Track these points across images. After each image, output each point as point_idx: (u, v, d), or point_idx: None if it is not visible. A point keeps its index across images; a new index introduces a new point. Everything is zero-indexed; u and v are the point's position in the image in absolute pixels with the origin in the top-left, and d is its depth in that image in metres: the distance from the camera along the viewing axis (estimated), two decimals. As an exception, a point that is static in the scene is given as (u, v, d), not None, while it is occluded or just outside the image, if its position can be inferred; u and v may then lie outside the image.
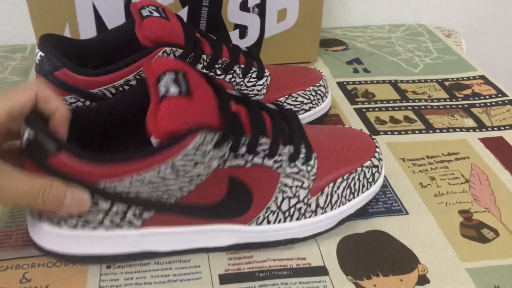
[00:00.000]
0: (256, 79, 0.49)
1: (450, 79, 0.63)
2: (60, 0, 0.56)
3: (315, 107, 0.52)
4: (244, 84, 0.49)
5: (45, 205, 0.33)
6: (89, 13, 0.57)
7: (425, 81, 0.63)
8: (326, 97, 0.53)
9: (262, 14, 0.61)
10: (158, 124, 0.32)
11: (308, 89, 0.51)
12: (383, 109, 0.57)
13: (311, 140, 0.40)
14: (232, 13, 0.60)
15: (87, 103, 0.45)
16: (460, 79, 0.63)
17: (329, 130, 0.44)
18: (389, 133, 0.53)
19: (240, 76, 0.48)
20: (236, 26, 0.61)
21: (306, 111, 0.51)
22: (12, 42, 0.70)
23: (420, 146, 0.51)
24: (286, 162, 0.38)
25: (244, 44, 0.63)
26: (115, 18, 0.58)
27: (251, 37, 0.63)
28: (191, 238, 0.38)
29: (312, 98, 0.51)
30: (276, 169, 0.37)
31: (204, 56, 0.47)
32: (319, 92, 0.52)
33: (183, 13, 0.59)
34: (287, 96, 0.50)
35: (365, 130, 0.53)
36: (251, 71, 0.49)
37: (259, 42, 0.63)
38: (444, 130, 0.53)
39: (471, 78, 0.63)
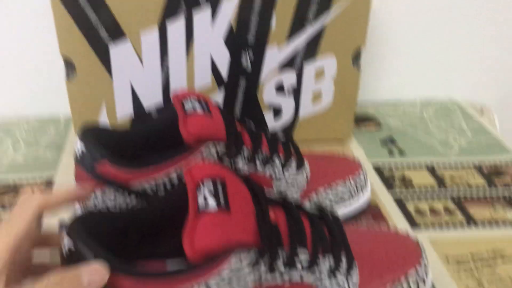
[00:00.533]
0: (296, 172, 0.48)
1: (487, 164, 0.62)
2: (98, 79, 0.56)
3: (355, 199, 0.51)
4: (284, 177, 0.48)
5: None
6: (126, 92, 0.58)
7: (462, 165, 0.62)
8: (366, 188, 0.52)
9: (297, 96, 0.61)
10: (194, 243, 0.32)
11: (347, 179, 0.50)
12: (422, 198, 0.56)
13: (352, 245, 0.39)
14: (268, 94, 0.60)
15: (127, 196, 0.44)
16: (498, 163, 0.62)
17: (372, 234, 0.43)
18: (430, 228, 0.51)
19: (280, 168, 0.48)
20: (271, 107, 0.61)
21: (346, 203, 0.50)
22: (45, 113, 0.71)
23: (464, 243, 0.49)
24: (326, 275, 0.36)
25: (277, 124, 0.62)
26: (152, 98, 0.58)
27: (285, 118, 0.62)
28: None
29: (351, 189, 0.50)
30: (315, 282, 0.36)
31: (245, 149, 0.46)
32: (359, 182, 0.51)
33: (219, 94, 0.59)
34: (326, 186, 0.49)
35: (406, 224, 0.51)
36: (290, 162, 0.48)
37: (293, 123, 0.63)
38: (487, 225, 0.52)
39: (509, 162, 0.62)
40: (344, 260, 0.37)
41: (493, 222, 0.52)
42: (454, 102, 0.77)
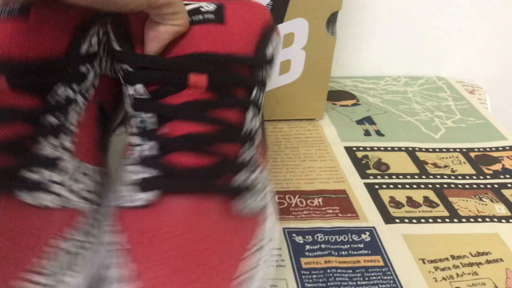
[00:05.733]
0: None
1: (476, 149, 0.54)
2: None
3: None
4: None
5: None
6: None
7: (448, 150, 0.54)
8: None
9: (262, 65, 0.53)
10: None
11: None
12: (399, 186, 0.48)
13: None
14: (227, 62, 0.52)
15: None
16: (488, 149, 0.55)
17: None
18: (406, 221, 0.44)
19: None
20: (232, 76, 0.53)
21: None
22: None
23: (444, 242, 0.42)
24: None
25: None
26: None
27: (248, 89, 0.54)
28: None
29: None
30: None
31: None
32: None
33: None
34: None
35: (379, 216, 0.44)
36: None
37: (257, 95, 0.55)
38: (472, 220, 0.44)
39: (501, 149, 0.55)
40: None
41: (479, 218, 0.45)
42: (442, 79, 0.69)
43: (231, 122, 0.32)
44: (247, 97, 0.32)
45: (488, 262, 0.40)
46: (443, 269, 0.39)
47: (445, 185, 0.49)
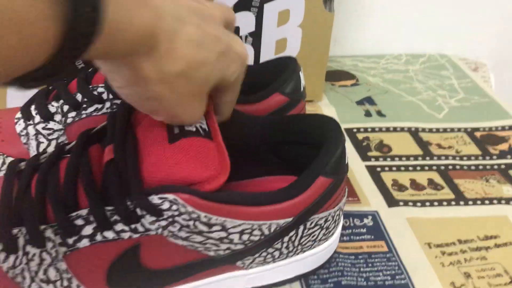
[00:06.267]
0: None
1: (481, 129, 0.52)
2: None
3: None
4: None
5: None
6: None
7: (452, 130, 0.52)
8: None
9: (257, 44, 0.50)
10: None
11: None
12: (402, 168, 0.46)
13: None
14: (221, 41, 0.49)
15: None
16: (494, 128, 0.52)
17: None
18: (410, 204, 0.42)
19: None
20: (225, 57, 0.51)
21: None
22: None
23: (450, 225, 0.40)
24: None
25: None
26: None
27: (243, 70, 0.52)
28: None
29: None
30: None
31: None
32: None
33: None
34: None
35: (381, 200, 0.42)
36: None
37: (253, 76, 0.52)
38: (479, 202, 0.43)
39: (507, 128, 0.53)
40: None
41: (486, 200, 0.43)
42: (445, 56, 0.67)
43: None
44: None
45: (497, 246, 0.38)
46: (450, 254, 0.37)
47: (450, 167, 0.47)
